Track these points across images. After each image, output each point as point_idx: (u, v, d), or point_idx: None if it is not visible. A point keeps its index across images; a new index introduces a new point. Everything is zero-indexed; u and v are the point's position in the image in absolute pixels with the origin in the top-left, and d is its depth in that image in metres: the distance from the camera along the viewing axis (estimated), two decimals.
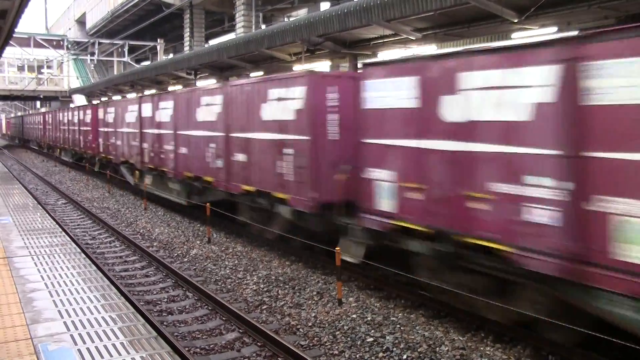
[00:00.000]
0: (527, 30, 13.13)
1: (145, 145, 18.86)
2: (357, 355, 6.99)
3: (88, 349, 5.19)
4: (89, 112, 27.60)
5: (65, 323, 5.82)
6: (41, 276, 7.55)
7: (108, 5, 46.04)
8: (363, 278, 9.84)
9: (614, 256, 5.63)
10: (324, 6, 29.81)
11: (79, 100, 43.19)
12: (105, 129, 24.06)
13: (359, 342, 7.34)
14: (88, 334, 5.55)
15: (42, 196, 21.48)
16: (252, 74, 22.60)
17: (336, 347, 7.24)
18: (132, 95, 32.76)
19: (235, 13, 30.26)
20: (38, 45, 43.56)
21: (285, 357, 6.89)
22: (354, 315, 8.27)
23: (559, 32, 13.30)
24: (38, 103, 67.88)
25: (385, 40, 16.04)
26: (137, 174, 20.15)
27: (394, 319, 8.11)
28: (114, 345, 5.29)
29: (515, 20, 12.07)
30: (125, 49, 43.83)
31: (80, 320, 5.90)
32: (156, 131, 17.76)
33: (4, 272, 7.70)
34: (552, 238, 6.16)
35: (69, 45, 46.84)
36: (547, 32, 13.38)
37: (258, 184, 11.84)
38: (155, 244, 13.32)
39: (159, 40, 43.70)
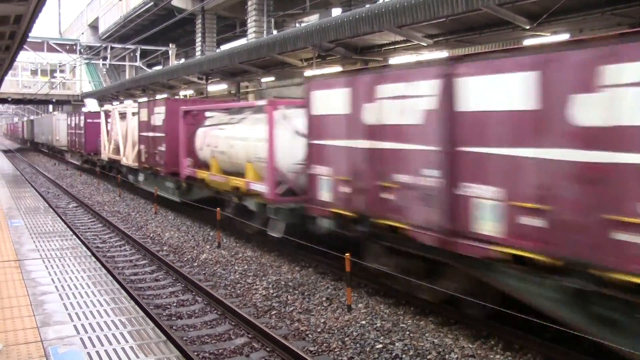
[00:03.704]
0: (539, 36, 13.08)
1: None
2: None
3: (97, 352, 5.21)
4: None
5: (75, 326, 5.84)
6: (52, 279, 7.59)
7: (120, 10, 46.38)
8: (373, 284, 9.80)
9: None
10: (336, 12, 29.88)
11: (91, 104, 43.47)
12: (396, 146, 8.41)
13: (368, 349, 7.31)
14: (98, 337, 5.57)
15: (54, 199, 21.63)
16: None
17: (345, 353, 7.22)
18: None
19: (247, 18, 30.40)
20: (51, 49, 43.99)
21: None
22: (364, 322, 8.24)
23: (571, 39, 13.21)
24: (50, 107, 68.39)
25: (396, 46, 16.04)
26: None
27: (403, 325, 8.08)
28: (123, 349, 5.30)
29: (527, 27, 12.02)
30: (137, 54, 44.16)
31: (90, 324, 5.92)
32: None
33: (15, 275, 7.74)
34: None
35: (82, 50, 47.21)
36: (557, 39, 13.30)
37: None
38: (165, 248, 13.35)
39: (170, 45, 43.97)
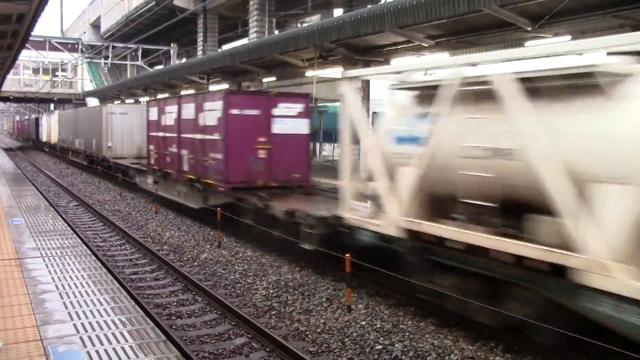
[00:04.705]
0: (540, 38, 13.08)
1: None
2: None
3: (97, 351, 5.20)
4: None
5: (75, 325, 5.83)
6: (52, 278, 7.58)
7: (122, 10, 46.39)
8: (373, 285, 9.80)
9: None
10: (337, 12, 29.88)
11: (93, 103, 43.46)
12: None
13: (367, 350, 7.31)
14: (97, 336, 5.56)
15: (54, 198, 21.63)
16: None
17: (345, 354, 7.22)
18: None
19: (249, 18, 30.40)
20: (53, 48, 43.97)
21: None
22: (363, 322, 8.23)
23: (572, 41, 13.21)
24: (52, 105, 68.35)
25: (398, 47, 16.04)
26: None
27: (403, 326, 8.07)
28: (122, 348, 5.30)
29: (529, 29, 12.03)
30: (139, 53, 44.14)
31: (90, 323, 5.91)
32: None
33: (16, 273, 7.74)
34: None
35: (84, 49, 47.19)
36: (562, 41, 13.29)
37: None
38: (165, 247, 13.35)
39: (172, 44, 43.97)
